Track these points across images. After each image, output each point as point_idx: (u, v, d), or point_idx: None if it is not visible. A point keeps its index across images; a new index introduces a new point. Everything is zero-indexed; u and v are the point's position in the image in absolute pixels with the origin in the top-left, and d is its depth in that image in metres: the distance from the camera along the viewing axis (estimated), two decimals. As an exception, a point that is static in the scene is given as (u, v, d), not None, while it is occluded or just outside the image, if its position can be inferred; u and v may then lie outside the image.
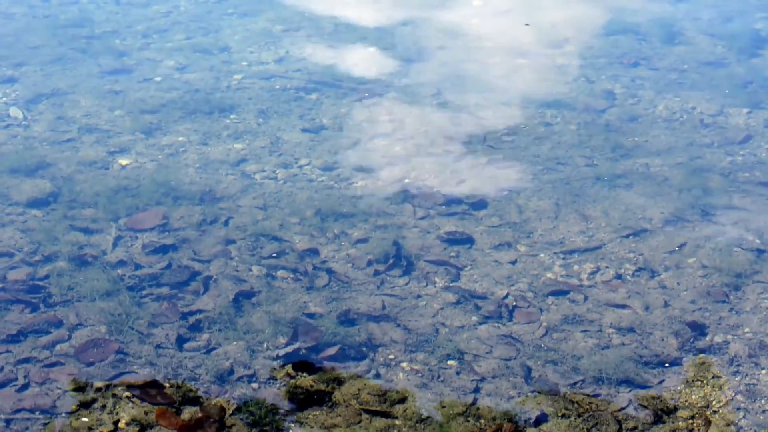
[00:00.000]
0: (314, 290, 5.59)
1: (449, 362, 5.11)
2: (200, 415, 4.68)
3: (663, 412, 4.83)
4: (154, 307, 5.37)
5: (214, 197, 6.42)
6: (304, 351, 5.12)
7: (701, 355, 5.21)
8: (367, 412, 4.75)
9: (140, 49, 8.57)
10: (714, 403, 4.89)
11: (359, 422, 4.69)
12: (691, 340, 5.31)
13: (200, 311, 5.35)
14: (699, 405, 4.87)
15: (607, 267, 5.89)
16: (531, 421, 4.76)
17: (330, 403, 4.79)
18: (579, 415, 4.78)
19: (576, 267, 5.88)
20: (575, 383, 4.99)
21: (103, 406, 4.69)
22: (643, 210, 6.42)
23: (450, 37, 9.05)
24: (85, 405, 4.71)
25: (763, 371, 5.12)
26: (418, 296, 5.58)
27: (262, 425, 4.65)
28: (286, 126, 7.36)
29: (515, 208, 6.41)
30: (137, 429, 4.57)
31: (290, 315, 5.36)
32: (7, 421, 4.61)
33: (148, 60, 8.33)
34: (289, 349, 5.11)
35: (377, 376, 4.99)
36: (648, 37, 9.19)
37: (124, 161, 6.78)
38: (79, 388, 4.80)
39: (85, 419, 4.62)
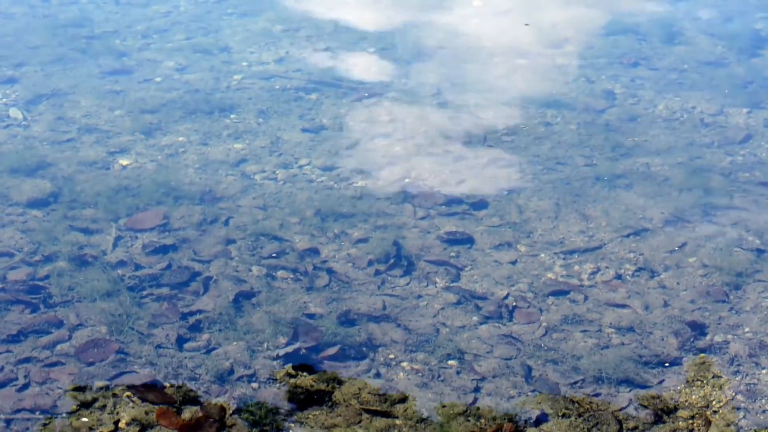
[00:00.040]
0: (314, 290, 5.59)
1: (450, 362, 5.11)
2: (201, 414, 4.68)
3: (663, 412, 4.83)
4: (155, 307, 5.37)
5: (214, 197, 6.42)
6: (304, 351, 5.12)
7: (701, 355, 5.22)
8: (368, 411, 4.75)
9: (140, 49, 8.57)
10: (714, 403, 4.89)
11: (359, 422, 4.70)
12: (691, 339, 5.31)
13: (200, 311, 5.35)
14: (699, 405, 4.87)
15: (607, 267, 5.89)
16: (531, 420, 4.76)
17: (330, 403, 4.79)
18: (579, 415, 4.78)
19: (576, 267, 5.88)
20: (575, 383, 4.99)
21: (104, 406, 4.70)
22: (643, 210, 6.42)
23: (450, 37, 9.05)
24: (86, 405, 4.71)
25: (764, 371, 5.12)
26: (419, 296, 5.58)
27: (262, 425, 4.65)
28: (286, 126, 7.36)
29: (515, 208, 6.41)
30: (138, 429, 4.57)
31: (290, 315, 5.36)
32: (8, 421, 4.61)
33: (148, 60, 8.33)
34: (290, 349, 5.11)
35: (377, 375, 4.99)
36: (648, 37, 9.19)
37: (124, 161, 6.78)
38: (80, 388, 4.80)
39: (85, 419, 4.62)
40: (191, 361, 5.02)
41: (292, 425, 4.66)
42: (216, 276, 5.64)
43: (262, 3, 9.73)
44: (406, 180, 6.68)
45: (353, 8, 9.70)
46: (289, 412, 4.74)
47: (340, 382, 4.92)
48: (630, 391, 4.96)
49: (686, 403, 4.87)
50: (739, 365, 5.15)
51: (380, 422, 4.69)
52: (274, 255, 5.86)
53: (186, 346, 5.12)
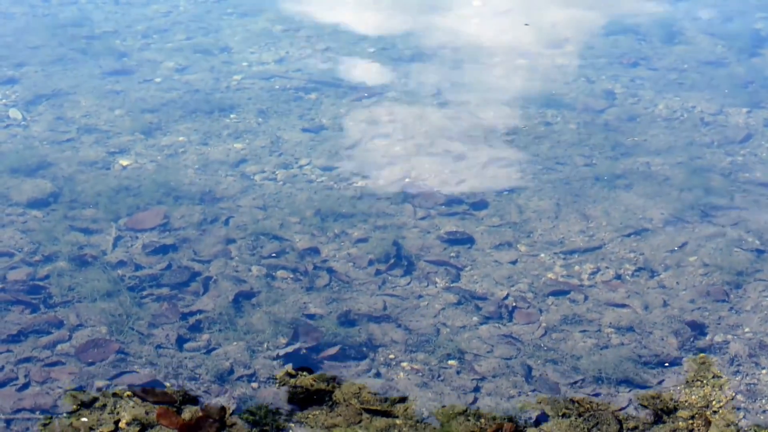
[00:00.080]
0: (314, 290, 5.59)
1: (450, 362, 5.11)
2: (201, 414, 4.68)
3: (663, 412, 4.83)
4: (155, 307, 5.37)
5: (214, 197, 6.42)
6: (304, 351, 5.12)
7: (701, 355, 5.22)
8: (368, 411, 4.75)
9: (140, 49, 8.57)
10: (714, 403, 4.89)
11: (359, 422, 4.70)
12: (691, 339, 5.31)
13: (200, 311, 5.36)
14: (699, 405, 4.87)
15: (607, 267, 5.89)
16: (531, 420, 4.76)
17: (330, 402, 4.79)
18: (579, 415, 4.78)
19: (576, 267, 5.88)
20: (575, 383, 4.99)
21: (104, 406, 4.70)
22: (643, 210, 6.42)
23: (450, 37, 9.05)
24: (86, 404, 4.71)
25: (764, 371, 5.12)
26: (419, 296, 5.58)
27: (262, 425, 4.65)
28: (286, 126, 7.36)
29: (515, 208, 6.41)
30: (138, 428, 4.57)
31: (290, 315, 5.36)
32: (8, 421, 4.61)
33: (148, 61, 8.33)
34: (290, 349, 5.11)
35: (378, 375, 5.00)
36: (648, 37, 9.19)
37: (124, 162, 6.78)
38: (80, 388, 4.81)
39: (84, 419, 4.62)
40: (191, 361, 5.02)
41: (292, 425, 4.67)
42: (216, 276, 5.64)
43: (262, 2, 9.73)
44: (406, 180, 6.68)
45: (353, 8, 9.70)
46: (289, 411, 4.74)
47: (341, 382, 4.92)
48: (630, 391, 4.96)
49: (686, 403, 4.87)
50: (739, 365, 5.15)
51: (380, 422, 4.70)
52: (273, 255, 5.86)
53: (186, 346, 5.13)
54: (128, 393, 4.77)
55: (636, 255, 5.99)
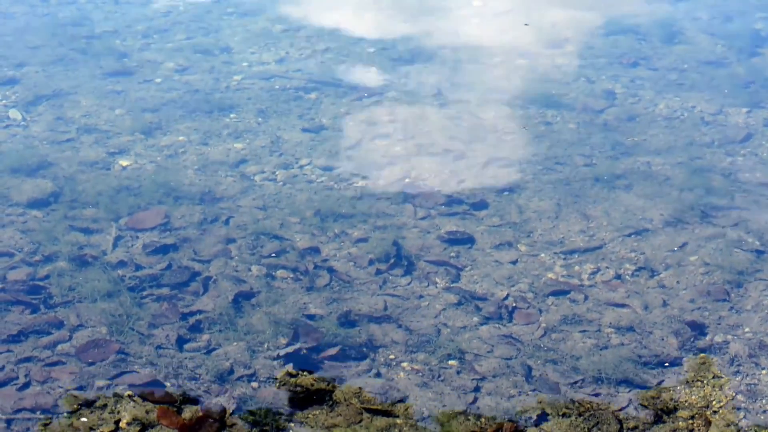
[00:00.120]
0: (315, 290, 5.59)
1: (450, 362, 5.11)
2: (201, 414, 4.68)
3: (663, 412, 4.83)
4: (155, 307, 5.37)
5: (214, 198, 6.42)
6: (304, 351, 5.12)
7: (702, 355, 5.22)
8: (368, 411, 4.75)
9: (141, 49, 8.57)
10: (714, 403, 4.89)
11: (360, 421, 4.70)
12: (692, 339, 5.31)
13: (200, 312, 5.36)
14: (699, 405, 4.87)
15: (607, 267, 5.89)
16: (532, 420, 4.77)
17: (331, 402, 4.79)
18: (580, 414, 4.78)
19: (576, 267, 5.88)
20: (575, 383, 4.99)
21: (105, 405, 4.70)
22: (643, 211, 6.42)
23: (450, 37, 9.05)
24: (87, 404, 4.71)
25: (764, 371, 5.12)
26: (420, 296, 5.58)
27: (262, 424, 4.65)
28: (286, 126, 7.37)
29: (516, 208, 6.41)
30: (138, 428, 4.58)
31: (290, 316, 5.36)
32: (8, 421, 4.61)
33: (148, 61, 8.33)
34: (290, 349, 5.11)
35: (378, 375, 5.00)
36: (648, 37, 9.19)
37: (124, 162, 6.78)
38: (81, 388, 4.81)
39: (84, 419, 4.62)
40: (191, 361, 5.02)
41: (293, 425, 4.67)
42: (216, 276, 5.64)
43: (262, 2, 9.73)
44: (406, 180, 6.68)
45: (353, 9, 9.70)
46: (289, 411, 4.74)
47: (341, 381, 4.92)
48: (630, 391, 4.96)
49: (686, 404, 4.88)
50: (739, 365, 5.15)
51: (381, 421, 4.70)
52: (273, 255, 5.86)
53: (186, 346, 5.13)
54: (128, 393, 4.77)
55: (637, 254, 5.99)
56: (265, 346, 5.14)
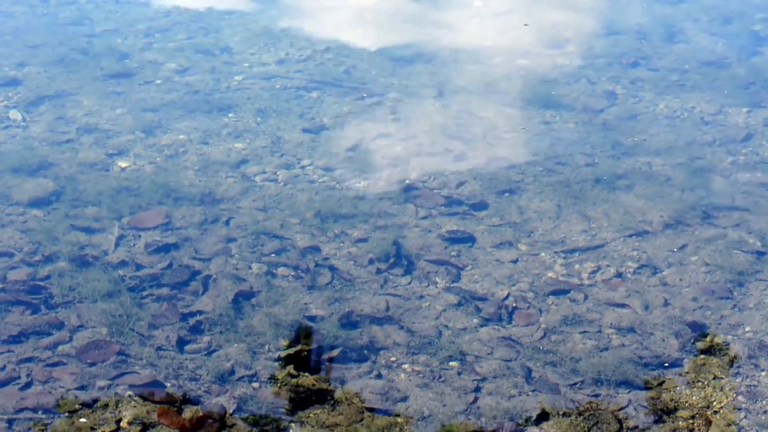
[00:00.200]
0: (316, 289, 5.59)
1: (451, 363, 5.12)
2: (201, 414, 4.68)
3: (663, 412, 4.83)
4: (155, 308, 5.37)
5: (215, 199, 6.42)
6: (305, 353, 5.12)
7: (702, 356, 5.22)
8: (369, 410, 4.75)
9: (141, 50, 8.57)
10: (715, 403, 4.89)
11: (361, 420, 4.70)
12: (692, 340, 5.32)
13: (200, 312, 5.36)
14: (699, 405, 4.87)
15: (608, 265, 5.89)
16: (532, 419, 4.77)
17: (332, 402, 4.80)
18: (580, 414, 4.79)
19: (577, 266, 5.88)
20: (574, 384, 4.99)
21: (106, 405, 4.70)
22: (644, 212, 6.42)
23: (450, 38, 9.05)
24: (88, 404, 4.72)
25: (763, 373, 5.12)
26: (421, 297, 5.59)
27: (262, 424, 4.65)
28: (287, 126, 7.37)
29: (516, 208, 6.41)
30: (139, 428, 4.58)
31: (291, 317, 5.36)
32: (10, 421, 4.62)
33: (149, 62, 8.32)
34: (291, 351, 5.11)
35: (379, 376, 5.00)
36: (648, 37, 9.19)
37: (123, 163, 6.77)
38: (82, 388, 4.81)
39: (84, 420, 4.62)
40: (192, 362, 5.02)
41: (293, 424, 4.67)
42: (216, 275, 5.64)
43: (263, 2, 9.74)
44: (407, 181, 6.68)
45: (353, 9, 9.70)
46: (290, 411, 4.75)
47: (342, 382, 4.93)
48: (629, 392, 4.96)
49: (686, 404, 4.88)
50: (739, 366, 5.16)
51: (382, 420, 4.70)
52: (274, 254, 5.86)
53: (186, 348, 5.13)
54: (129, 393, 4.77)
55: (639, 252, 5.99)
56: (266, 348, 5.14)
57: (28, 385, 4.83)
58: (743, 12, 9.93)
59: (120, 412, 4.66)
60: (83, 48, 8.51)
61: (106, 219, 6.11)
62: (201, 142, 7.09)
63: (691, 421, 4.78)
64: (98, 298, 5.40)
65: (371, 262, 5.83)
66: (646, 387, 5.00)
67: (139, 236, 5.97)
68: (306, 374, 4.96)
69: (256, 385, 4.90)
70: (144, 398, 4.75)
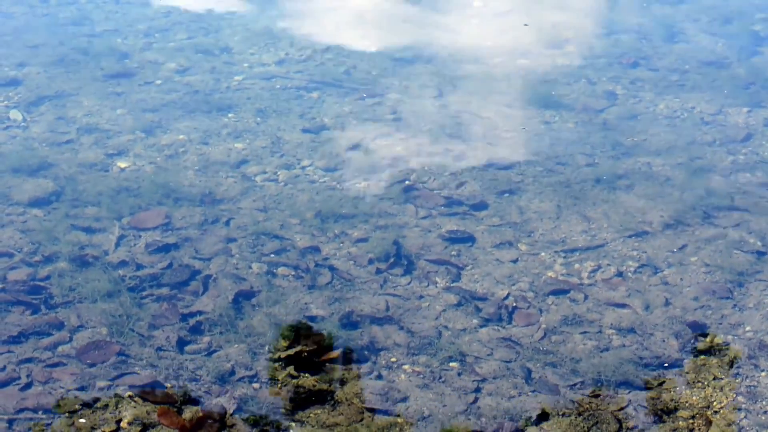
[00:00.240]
0: (316, 289, 5.59)
1: (451, 364, 5.11)
2: (201, 414, 4.68)
3: (663, 412, 4.83)
4: (155, 308, 5.37)
5: (215, 199, 6.42)
6: (305, 354, 5.12)
7: (702, 356, 5.22)
8: (370, 410, 4.75)
9: (142, 50, 8.57)
10: (715, 403, 4.89)
11: (361, 420, 4.70)
12: (692, 340, 5.32)
13: (200, 312, 5.35)
14: (700, 405, 4.87)
15: (609, 264, 5.89)
16: (532, 419, 4.77)
17: (332, 402, 4.80)
18: (579, 414, 4.79)
19: (577, 265, 5.88)
20: (574, 384, 4.99)
21: (106, 405, 4.70)
22: (644, 213, 6.42)
23: (451, 38, 9.05)
24: (88, 404, 4.72)
25: (763, 373, 5.12)
26: (420, 297, 5.58)
27: (262, 424, 4.65)
28: (287, 126, 7.37)
29: (516, 209, 6.41)
30: (139, 428, 4.58)
31: (292, 317, 5.36)
32: (10, 421, 4.62)
33: (149, 62, 8.32)
34: (291, 351, 5.11)
35: (379, 377, 5.00)
36: (648, 37, 9.19)
37: (123, 164, 6.77)
38: (82, 388, 4.81)
39: (83, 420, 4.62)
40: (192, 362, 5.02)
41: (293, 424, 4.67)
42: (216, 274, 5.64)
43: (263, 2, 9.74)
44: (407, 181, 6.68)
45: (354, 8, 9.70)
46: (290, 411, 4.75)
47: (342, 382, 4.93)
48: (629, 393, 4.96)
49: (687, 404, 4.88)
50: (739, 366, 5.16)
51: (382, 420, 4.70)
52: (273, 254, 5.86)
53: (186, 348, 5.13)
54: (129, 393, 4.77)
55: (639, 252, 5.99)
56: (266, 348, 5.14)
57: (28, 385, 4.83)
58: (743, 12, 9.93)
59: (120, 412, 4.66)
60: (83, 48, 8.51)
61: (106, 219, 6.11)
62: (201, 142, 7.09)
63: (691, 421, 4.78)
64: (98, 299, 5.40)
65: (371, 262, 5.83)
66: (646, 387, 5.00)
67: (139, 236, 5.97)
68: (306, 375, 4.96)
69: (256, 385, 4.90)
70: (144, 398, 4.75)
